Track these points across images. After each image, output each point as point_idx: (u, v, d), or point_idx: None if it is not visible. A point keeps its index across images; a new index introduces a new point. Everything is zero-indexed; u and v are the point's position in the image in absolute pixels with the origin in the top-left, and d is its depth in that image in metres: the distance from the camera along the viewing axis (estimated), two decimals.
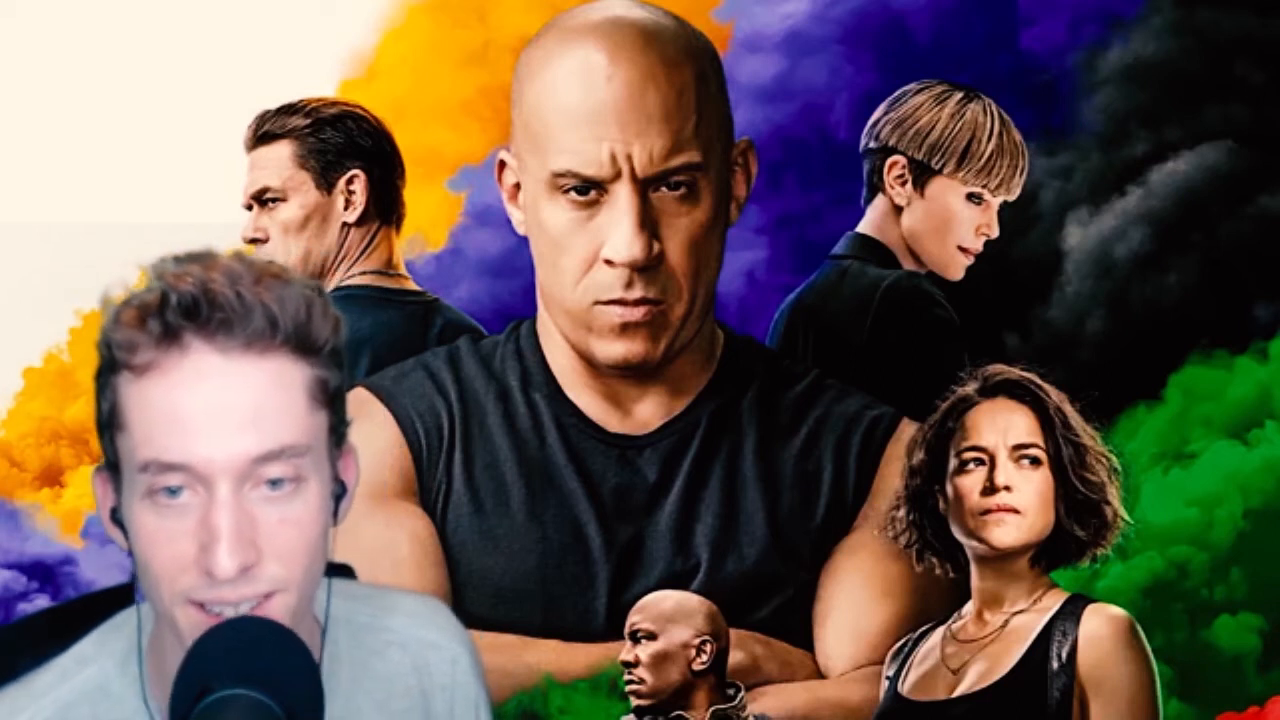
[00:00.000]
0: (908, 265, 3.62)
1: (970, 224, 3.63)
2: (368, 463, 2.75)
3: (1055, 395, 2.62)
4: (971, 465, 2.59)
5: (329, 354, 1.71)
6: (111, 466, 1.70)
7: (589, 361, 2.75)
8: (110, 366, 1.67)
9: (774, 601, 2.74)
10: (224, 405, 1.64)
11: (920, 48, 6.28)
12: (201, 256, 1.68)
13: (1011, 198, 3.69)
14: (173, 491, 1.65)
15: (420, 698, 1.86)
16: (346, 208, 3.61)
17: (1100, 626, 2.54)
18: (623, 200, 2.65)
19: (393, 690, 1.85)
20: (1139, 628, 2.56)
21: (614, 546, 2.74)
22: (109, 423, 1.68)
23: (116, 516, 1.71)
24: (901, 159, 3.62)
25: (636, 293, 2.67)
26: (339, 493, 1.75)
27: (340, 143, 3.61)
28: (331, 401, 1.72)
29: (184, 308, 1.64)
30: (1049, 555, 2.61)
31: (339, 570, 1.87)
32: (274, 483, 1.67)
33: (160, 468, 1.64)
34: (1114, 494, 2.62)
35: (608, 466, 2.77)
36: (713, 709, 2.61)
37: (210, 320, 1.64)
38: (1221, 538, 4.27)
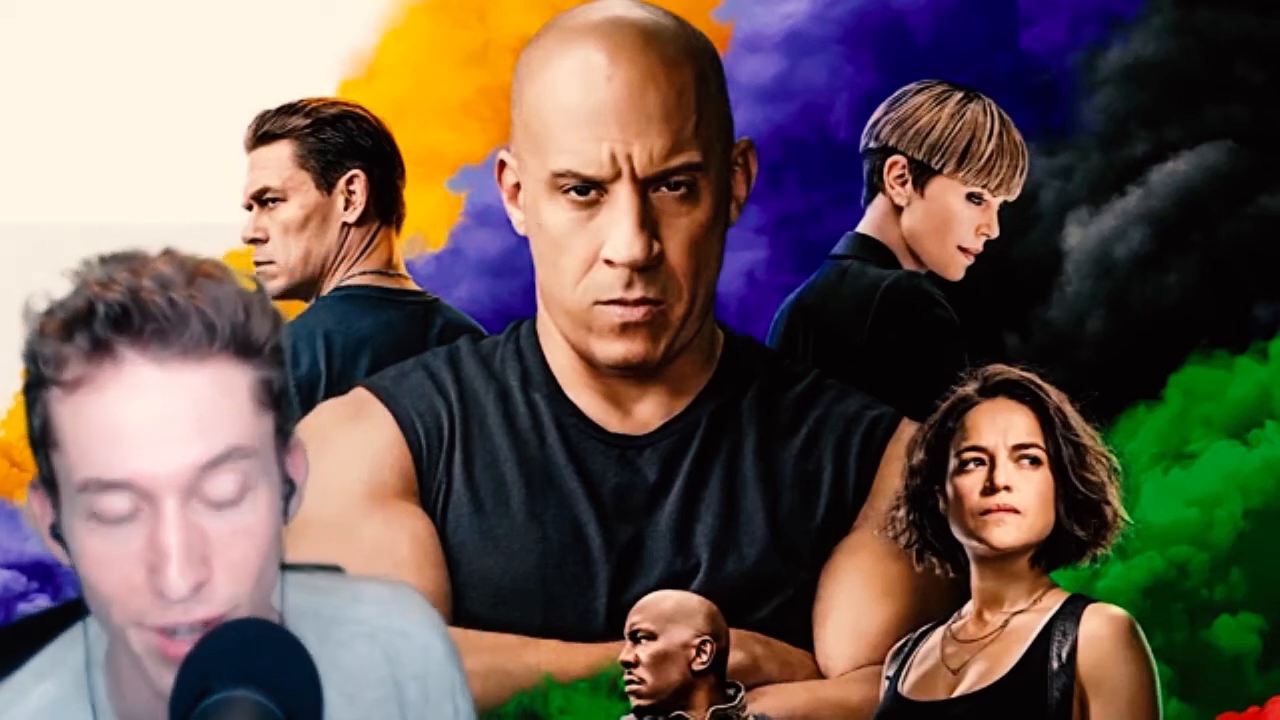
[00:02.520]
0: (908, 265, 3.62)
1: (970, 224, 3.63)
2: (368, 463, 2.77)
3: (1055, 395, 2.62)
4: (971, 465, 2.59)
5: (270, 352, 1.61)
6: (47, 483, 1.62)
7: (589, 361, 2.75)
8: (38, 381, 1.58)
9: (774, 601, 2.74)
10: (164, 417, 1.55)
11: (920, 48, 6.28)
12: (128, 258, 1.59)
13: (1011, 198, 3.69)
14: (115, 513, 1.56)
15: (393, 687, 1.80)
16: (346, 208, 3.61)
17: (1100, 626, 2.54)
18: (623, 200, 2.65)
19: (364, 682, 1.79)
20: (1139, 628, 2.56)
21: (614, 546, 2.74)
22: (42, 440, 1.59)
23: (56, 533, 1.63)
24: (901, 159, 3.63)
25: (636, 293, 2.67)
26: (288, 492, 1.66)
27: (340, 143, 3.61)
28: (277, 402, 1.62)
29: (113, 319, 1.54)
30: (1049, 555, 2.61)
31: (327, 572, 1.85)
32: (221, 500, 1.58)
33: (101, 486, 1.56)
34: (1114, 494, 2.62)
35: (608, 466, 2.77)
36: (713, 709, 2.61)
37: (143, 331, 1.54)
38: (1221, 538, 4.27)
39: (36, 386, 1.58)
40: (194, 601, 1.58)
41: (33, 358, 1.58)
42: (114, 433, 1.55)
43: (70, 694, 1.71)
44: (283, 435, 1.64)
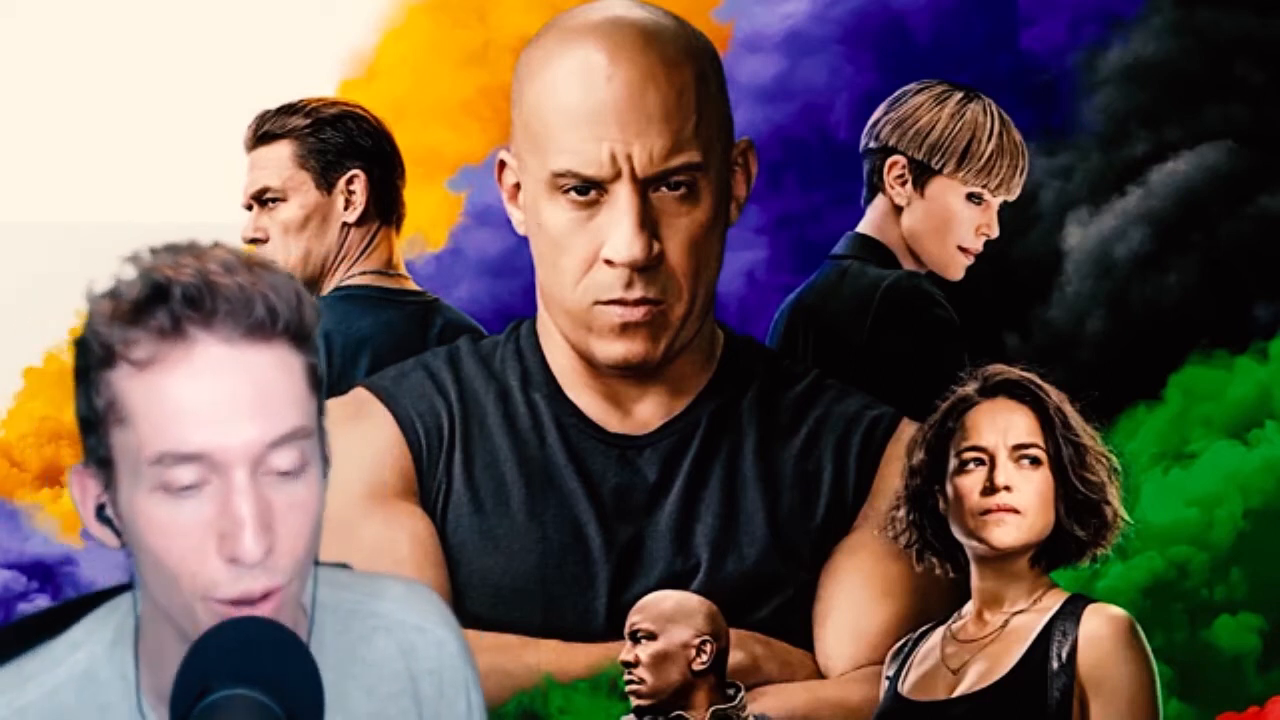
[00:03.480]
0: (908, 265, 3.62)
1: (970, 224, 3.63)
2: (368, 463, 2.77)
3: (1055, 395, 2.62)
4: (971, 465, 2.59)
5: (313, 340, 1.71)
6: (101, 462, 1.68)
7: (589, 361, 2.75)
8: (103, 362, 1.65)
9: (774, 601, 2.74)
10: (234, 394, 1.63)
11: (920, 48, 6.28)
12: (189, 248, 1.68)
13: (1011, 198, 3.69)
14: (184, 484, 1.64)
15: (408, 681, 1.86)
16: (346, 208, 3.61)
17: (1100, 626, 2.54)
18: (623, 200, 2.65)
19: (380, 675, 1.84)
20: (1139, 628, 2.56)
21: (614, 546, 2.74)
22: (105, 418, 1.65)
23: (103, 515, 1.70)
24: (901, 159, 3.62)
25: (636, 293, 2.67)
26: (326, 470, 1.74)
27: (340, 143, 3.61)
28: (319, 385, 1.71)
29: (189, 299, 1.62)
30: (1049, 555, 2.61)
31: (339, 568, 1.88)
32: (285, 472, 1.67)
33: (175, 459, 1.63)
34: (1114, 494, 2.62)
35: (608, 466, 2.77)
36: (713, 709, 2.61)
37: (215, 311, 1.63)
38: (1221, 538, 4.27)
39: (99, 367, 1.64)
40: (261, 570, 1.65)
41: (96, 340, 1.64)
42: (187, 408, 1.62)
43: (102, 665, 1.76)
44: (323, 418, 1.72)
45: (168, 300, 1.62)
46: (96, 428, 1.67)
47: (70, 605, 1.82)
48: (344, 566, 1.90)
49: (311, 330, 1.69)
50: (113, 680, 1.76)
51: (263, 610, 1.68)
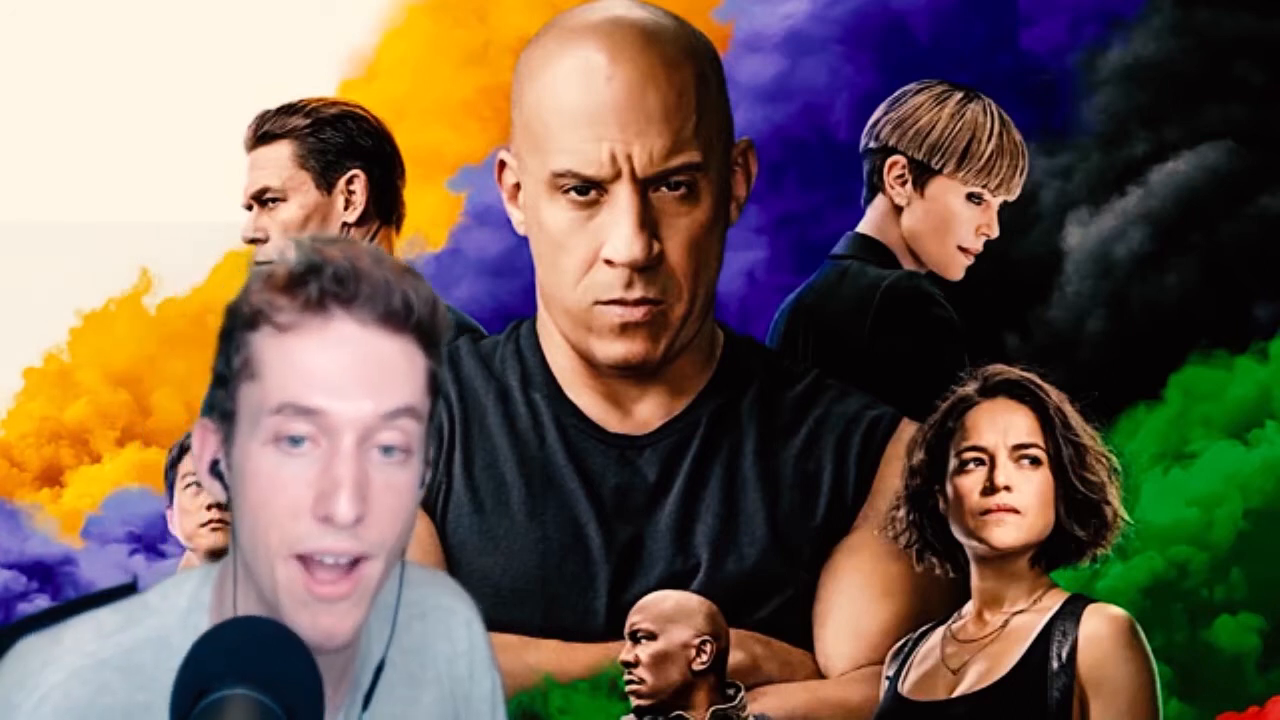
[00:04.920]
0: (908, 265, 3.62)
1: (970, 224, 3.63)
2: None
3: (1055, 395, 2.62)
4: (971, 465, 2.59)
5: (440, 351, 1.82)
6: (224, 416, 1.79)
7: (589, 361, 2.75)
8: (249, 323, 1.78)
9: (774, 601, 2.74)
10: (358, 367, 1.76)
11: (920, 48, 6.28)
12: (343, 240, 1.82)
13: (1011, 198, 3.68)
14: (296, 441, 1.75)
15: (445, 664, 1.93)
16: (346, 208, 3.61)
17: (1100, 626, 2.54)
18: (623, 200, 2.65)
19: (420, 661, 1.91)
20: (1139, 628, 2.56)
21: (614, 546, 2.74)
22: (238, 373, 1.78)
23: (216, 469, 1.81)
24: (901, 159, 3.62)
25: (636, 293, 2.67)
26: (425, 478, 1.84)
27: (340, 143, 3.60)
28: (436, 392, 1.82)
29: (337, 278, 1.76)
30: (1049, 555, 2.61)
31: None
32: (387, 450, 1.76)
33: (295, 410, 1.74)
34: (1114, 494, 2.62)
35: (608, 466, 2.77)
36: (713, 709, 2.61)
37: (357, 293, 1.76)
38: (1221, 538, 4.27)
39: (244, 328, 1.78)
40: (349, 534, 1.74)
41: (247, 303, 1.79)
42: (314, 372, 1.76)
43: (174, 632, 1.82)
44: (435, 424, 1.83)
45: (319, 276, 1.76)
46: (228, 382, 1.79)
47: (64, 611, 1.85)
48: None
49: (440, 337, 1.81)
50: (185, 648, 1.77)
51: (347, 583, 1.74)
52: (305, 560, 1.75)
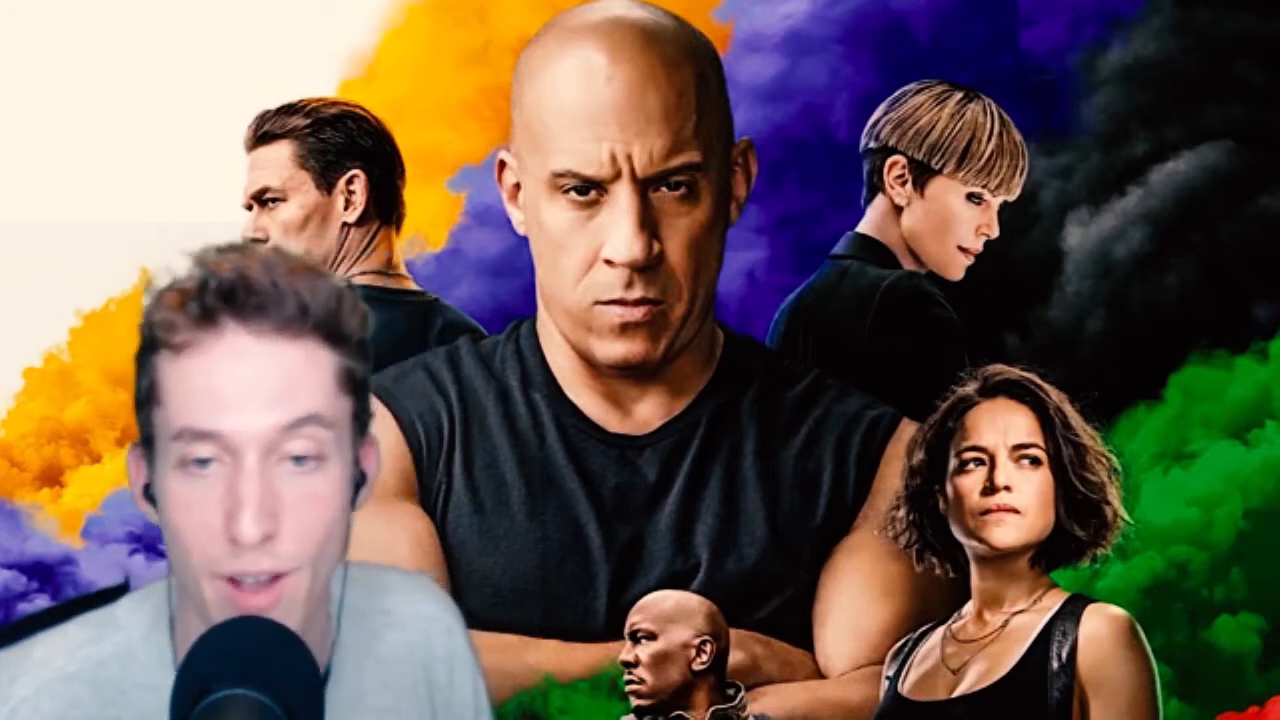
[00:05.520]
0: (908, 265, 3.62)
1: (970, 224, 3.63)
2: None
3: (1055, 395, 2.62)
4: (971, 465, 2.59)
5: (356, 345, 1.79)
6: (146, 442, 1.78)
7: (589, 361, 2.75)
8: (150, 346, 1.76)
9: (774, 601, 2.74)
10: (254, 381, 1.73)
11: (920, 48, 6.28)
12: (241, 247, 1.78)
13: (1011, 198, 3.69)
14: (202, 462, 1.73)
15: (422, 671, 1.92)
16: (346, 208, 3.61)
17: (1100, 626, 2.54)
18: (623, 200, 2.65)
19: (398, 669, 1.90)
20: (1139, 628, 2.56)
21: (614, 546, 2.74)
22: (147, 399, 1.76)
23: (149, 493, 1.79)
24: (901, 159, 3.62)
25: (636, 293, 2.67)
26: (359, 480, 1.81)
27: (340, 143, 3.61)
28: (357, 390, 1.79)
29: (223, 291, 1.73)
30: (1049, 555, 2.61)
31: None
32: (298, 459, 1.74)
33: (193, 435, 1.72)
34: (1114, 494, 2.62)
35: (608, 466, 2.77)
36: (713, 709, 2.61)
37: (246, 304, 1.73)
38: (1221, 538, 4.27)
39: (148, 351, 1.77)
40: (261, 552, 1.72)
41: (148, 325, 1.77)
42: (210, 391, 1.73)
43: (139, 647, 1.83)
44: (359, 424, 1.80)
45: (207, 290, 1.73)
46: (143, 407, 1.78)
47: (58, 613, 1.85)
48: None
49: (348, 333, 1.77)
50: (150, 664, 1.81)
51: (267, 596, 1.73)
52: (228, 580, 1.74)
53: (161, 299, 1.75)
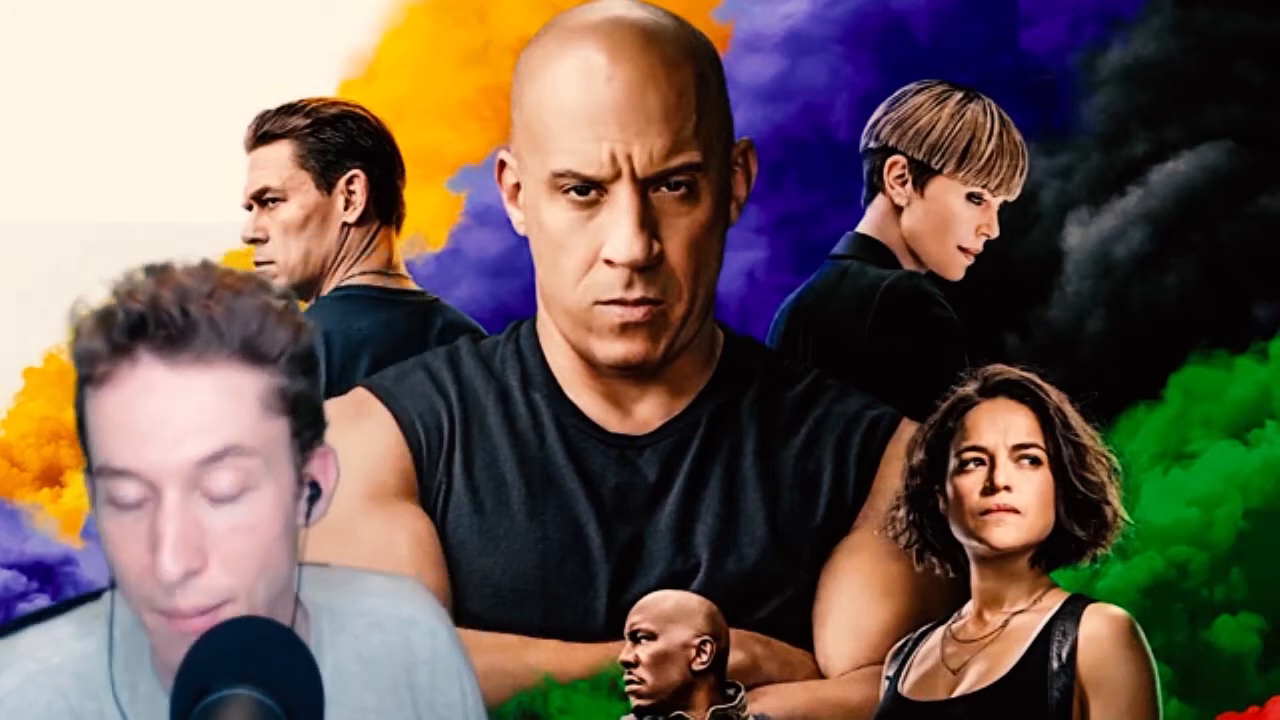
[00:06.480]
0: (908, 265, 3.62)
1: (970, 224, 3.64)
2: (368, 463, 2.77)
3: (1055, 395, 2.62)
4: (971, 465, 2.59)
5: (287, 361, 1.74)
6: (89, 472, 1.76)
7: (589, 361, 2.75)
8: (80, 378, 1.73)
9: (774, 601, 2.74)
10: (169, 414, 1.69)
11: (920, 48, 6.28)
12: (159, 269, 1.74)
13: (1011, 198, 3.69)
14: (126, 499, 1.70)
15: (404, 673, 1.91)
16: (346, 208, 3.61)
17: (1100, 626, 2.54)
18: (623, 200, 2.65)
19: (379, 672, 1.89)
20: (1139, 628, 2.56)
21: (614, 546, 2.74)
22: (79, 429, 1.75)
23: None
24: (901, 159, 3.63)
25: (636, 293, 2.67)
26: (313, 495, 1.78)
27: (340, 143, 3.61)
28: (293, 408, 1.75)
29: (131, 325, 1.69)
30: (1049, 555, 2.61)
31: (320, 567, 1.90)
32: (219, 494, 1.71)
33: (112, 472, 1.70)
34: (1114, 494, 2.62)
35: (608, 466, 2.77)
36: (713, 709, 2.61)
37: (156, 336, 1.69)
38: (1221, 538, 4.27)
39: (79, 382, 1.74)
40: (188, 589, 1.70)
41: (74, 356, 1.74)
42: (126, 425, 1.70)
43: (77, 661, 1.82)
44: (302, 439, 1.76)
45: (113, 325, 1.70)
46: (80, 437, 1.76)
47: (58, 608, 1.86)
48: (322, 566, 1.92)
49: (274, 353, 1.72)
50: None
51: (198, 625, 1.70)
52: (159, 611, 1.72)
53: (82, 329, 1.72)
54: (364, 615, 1.89)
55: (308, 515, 1.78)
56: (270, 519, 1.73)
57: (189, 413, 1.69)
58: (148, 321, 1.69)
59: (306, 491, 1.78)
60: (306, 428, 1.77)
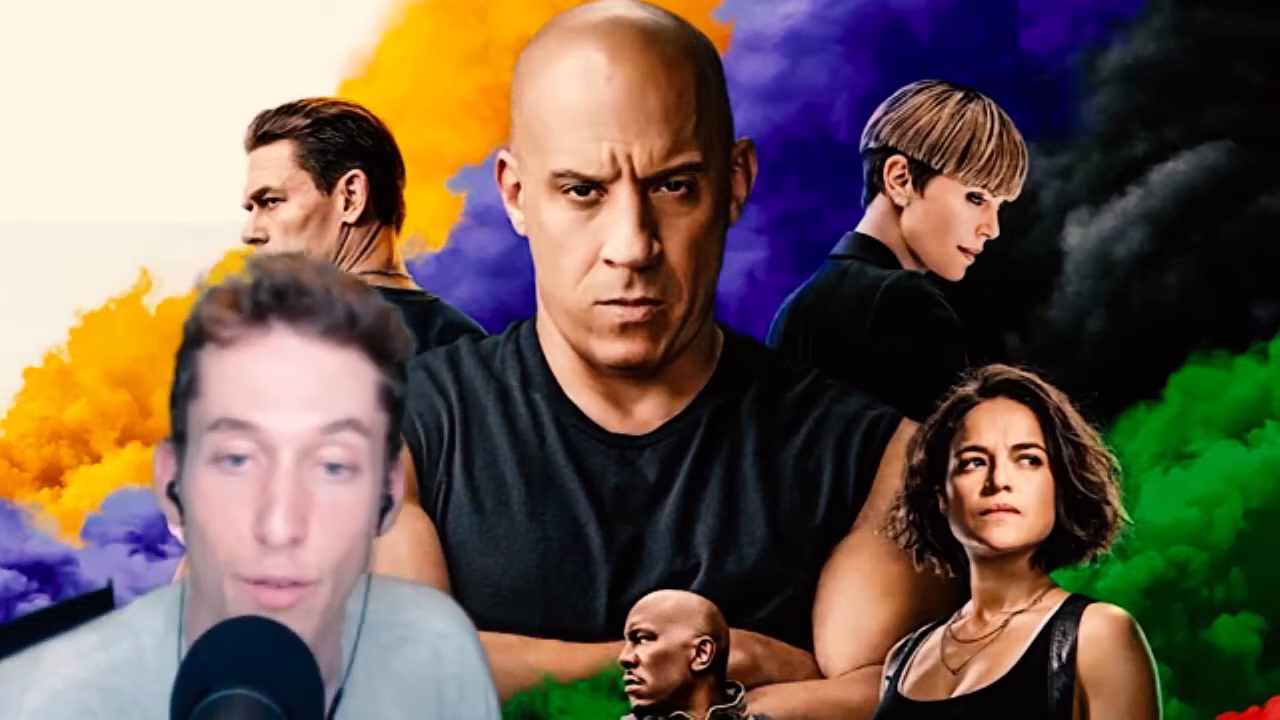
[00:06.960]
0: (908, 265, 3.62)
1: (970, 224, 3.63)
2: None
3: (1055, 395, 2.62)
4: (971, 465, 2.59)
5: (397, 366, 1.79)
6: (178, 438, 1.78)
7: (589, 361, 2.75)
8: (196, 341, 1.76)
9: (774, 601, 2.74)
10: (296, 381, 1.74)
11: (920, 48, 6.29)
12: (295, 255, 1.81)
13: (1011, 198, 3.69)
14: (237, 460, 1.73)
15: (434, 687, 1.91)
16: (346, 208, 3.61)
17: (1100, 626, 2.54)
18: (623, 200, 2.65)
19: (412, 684, 1.90)
20: (1139, 628, 2.56)
21: (614, 546, 2.74)
22: (186, 392, 1.77)
23: (172, 491, 1.79)
24: (901, 159, 3.62)
25: (636, 293, 2.67)
26: (385, 505, 1.81)
27: (340, 143, 3.61)
28: (394, 409, 1.79)
29: (275, 291, 1.74)
30: (1049, 555, 2.61)
31: None
32: (332, 467, 1.73)
33: (230, 425, 1.72)
34: (1114, 494, 2.62)
35: (608, 466, 2.77)
36: (713, 709, 2.61)
37: (296, 306, 1.74)
38: (1221, 538, 4.27)
39: (193, 346, 1.77)
40: (286, 557, 1.72)
41: (196, 320, 1.77)
42: (253, 386, 1.73)
43: (150, 654, 1.82)
44: (392, 445, 1.80)
45: (259, 290, 1.74)
46: (179, 401, 1.78)
47: (44, 617, 1.85)
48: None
49: (391, 353, 1.78)
50: (163, 669, 1.80)
51: (284, 599, 1.72)
52: (251, 581, 1.73)
53: (215, 296, 1.76)
54: (398, 628, 1.90)
55: (379, 525, 1.80)
56: (365, 507, 1.76)
57: (315, 382, 1.73)
58: (289, 291, 1.74)
59: (381, 502, 1.80)
60: (396, 434, 1.80)
